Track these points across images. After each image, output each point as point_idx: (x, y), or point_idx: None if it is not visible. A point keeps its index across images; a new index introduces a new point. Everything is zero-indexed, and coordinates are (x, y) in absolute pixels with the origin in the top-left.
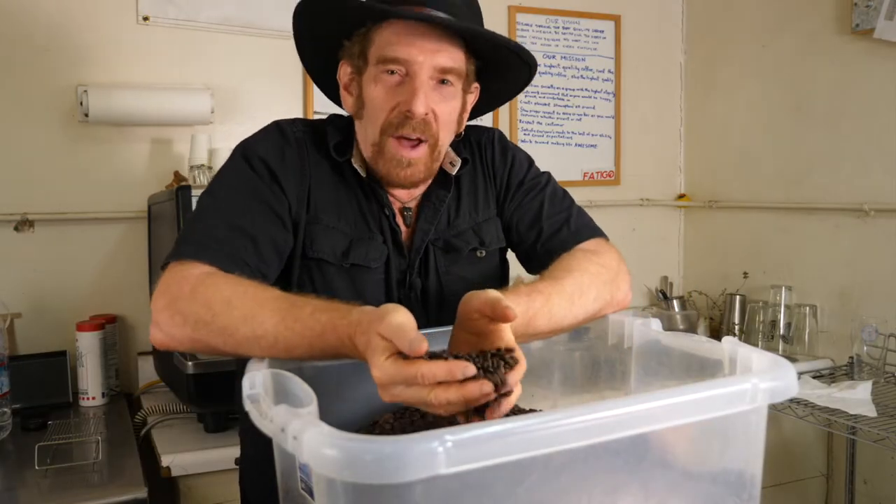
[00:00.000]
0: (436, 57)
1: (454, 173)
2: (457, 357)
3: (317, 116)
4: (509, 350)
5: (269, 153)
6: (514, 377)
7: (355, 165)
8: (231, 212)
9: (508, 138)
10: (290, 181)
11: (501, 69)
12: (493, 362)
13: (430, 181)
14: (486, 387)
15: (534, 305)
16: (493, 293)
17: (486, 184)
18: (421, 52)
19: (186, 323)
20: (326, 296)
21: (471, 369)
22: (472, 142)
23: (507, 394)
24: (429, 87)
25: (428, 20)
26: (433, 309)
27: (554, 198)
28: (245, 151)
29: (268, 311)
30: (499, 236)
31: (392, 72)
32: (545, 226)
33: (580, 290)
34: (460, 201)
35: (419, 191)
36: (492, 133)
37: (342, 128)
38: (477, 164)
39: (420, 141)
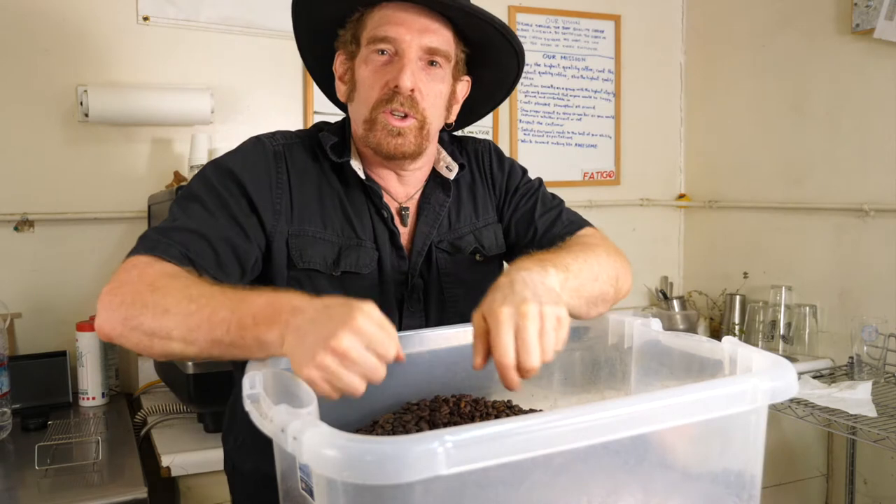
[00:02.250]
0: (423, 36)
1: (452, 177)
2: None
3: (317, 117)
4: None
5: (239, 166)
6: None
7: (354, 167)
8: (193, 218)
9: (509, 139)
10: (262, 194)
11: (491, 55)
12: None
13: (424, 172)
14: None
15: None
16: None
17: (486, 190)
18: (409, 31)
19: (123, 304)
20: None
21: None
22: (468, 152)
23: None
24: (417, 66)
25: (414, 0)
26: (433, 311)
27: (545, 198)
28: (216, 166)
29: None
30: (498, 242)
31: (382, 52)
32: (539, 224)
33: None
34: (461, 206)
35: (415, 190)
36: (487, 143)
37: (336, 131)
38: (475, 172)
39: (407, 115)
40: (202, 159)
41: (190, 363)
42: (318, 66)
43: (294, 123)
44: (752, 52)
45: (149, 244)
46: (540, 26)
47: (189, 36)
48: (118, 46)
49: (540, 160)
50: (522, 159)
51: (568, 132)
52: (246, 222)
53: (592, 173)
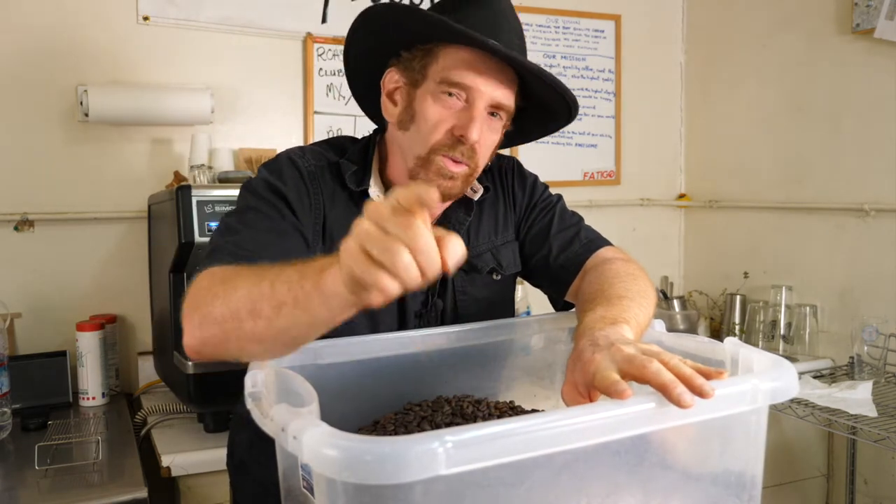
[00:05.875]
0: (496, 90)
1: (476, 199)
2: None
3: (317, 117)
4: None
5: (282, 183)
6: None
7: (373, 195)
8: (257, 229)
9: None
10: (304, 212)
11: (542, 111)
12: None
13: (450, 203)
14: None
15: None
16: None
17: (507, 209)
18: (486, 83)
19: (198, 308)
20: (344, 324)
21: None
22: (492, 169)
23: None
24: (483, 116)
25: (506, 56)
26: None
27: (563, 215)
28: (261, 181)
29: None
30: (515, 261)
31: (451, 94)
32: (554, 242)
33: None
34: (480, 224)
35: (439, 212)
36: (511, 161)
37: (356, 154)
38: (498, 190)
39: (461, 162)
40: (202, 159)
41: (189, 363)
42: (364, 78)
43: (294, 123)
44: (752, 51)
45: (222, 256)
46: (540, 26)
47: (189, 36)
48: (118, 46)
49: (540, 160)
50: (523, 159)
51: (568, 132)
52: (300, 234)
53: (592, 173)
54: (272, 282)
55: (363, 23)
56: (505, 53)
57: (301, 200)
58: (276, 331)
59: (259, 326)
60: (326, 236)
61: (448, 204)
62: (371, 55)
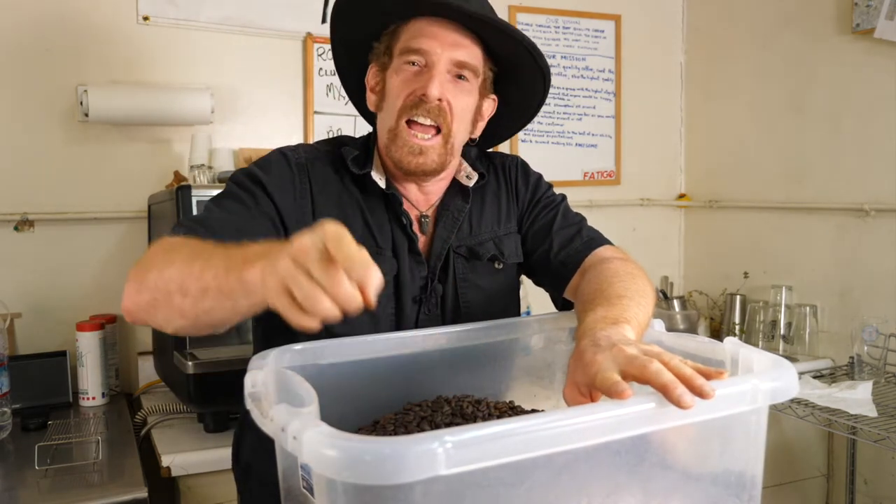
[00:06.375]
0: (454, 50)
1: (471, 186)
2: None
3: (317, 117)
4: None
5: (265, 175)
6: None
7: (375, 178)
8: (227, 210)
9: (510, 139)
10: (287, 202)
11: (517, 75)
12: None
13: (445, 182)
14: None
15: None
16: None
17: (509, 201)
18: (441, 44)
19: (139, 272)
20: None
21: None
22: (496, 164)
23: None
24: (445, 77)
25: (457, 8)
26: (449, 316)
27: (566, 213)
28: (245, 172)
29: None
30: (517, 252)
31: (413, 63)
32: (555, 237)
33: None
34: (483, 213)
35: (436, 198)
36: (515, 158)
37: (359, 145)
38: (501, 183)
39: (437, 131)
40: (202, 159)
41: (190, 363)
42: (353, 79)
43: (294, 123)
44: (752, 51)
45: (181, 229)
46: (540, 26)
47: (189, 36)
48: (118, 46)
49: (540, 160)
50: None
51: (568, 132)
52: (270, 220)
53: (592, 173)
54: (203, 264)
55: (335, 14)
56: (456, 6)
57: (284, 188)
58: (200, 310)
59: (186, 304)
60: (317, 222)
61: (443, 189)
62: (353, 52)
